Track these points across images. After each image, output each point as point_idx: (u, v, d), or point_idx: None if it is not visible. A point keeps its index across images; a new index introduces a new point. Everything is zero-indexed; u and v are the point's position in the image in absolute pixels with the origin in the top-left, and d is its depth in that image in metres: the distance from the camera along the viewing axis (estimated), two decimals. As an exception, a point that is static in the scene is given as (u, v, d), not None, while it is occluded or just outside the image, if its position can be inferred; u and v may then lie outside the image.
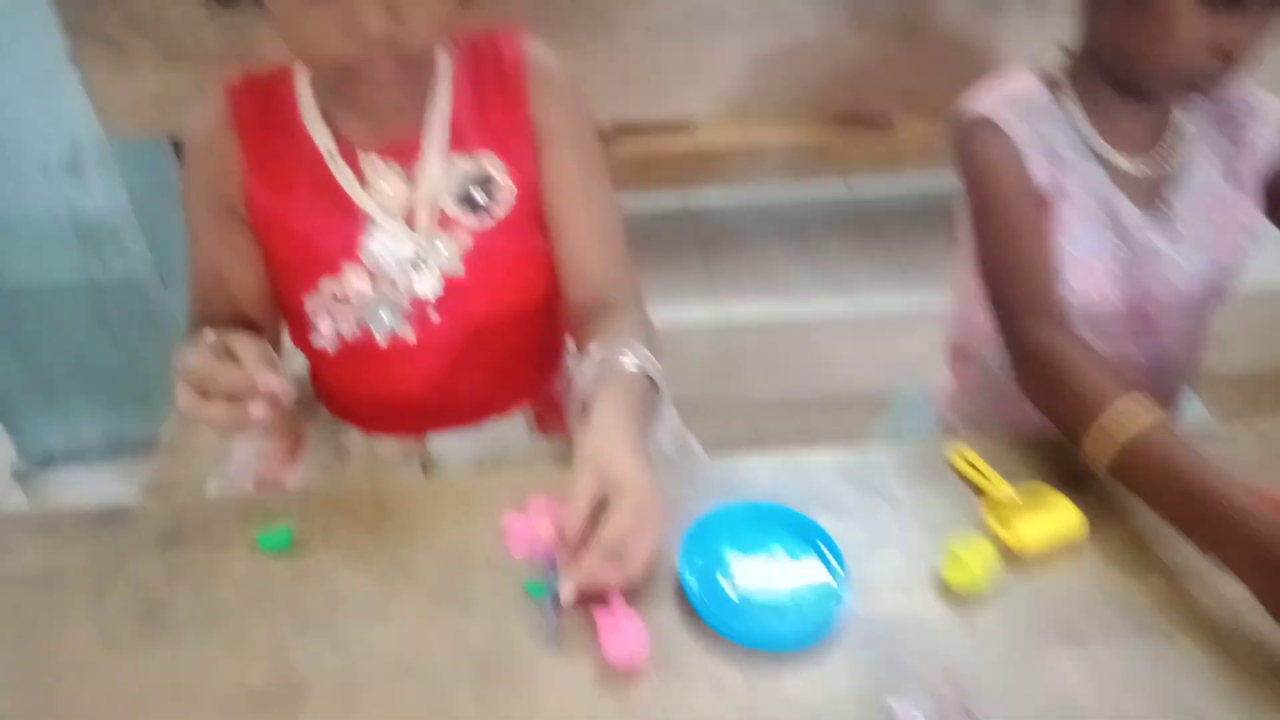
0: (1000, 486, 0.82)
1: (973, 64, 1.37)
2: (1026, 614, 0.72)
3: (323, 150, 0.88)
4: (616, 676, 0.69)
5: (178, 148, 1.62)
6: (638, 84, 1.35)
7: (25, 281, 1.75)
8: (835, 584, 0.74)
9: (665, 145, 2.30)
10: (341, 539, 0.80)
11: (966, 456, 0.86)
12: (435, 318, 0.93)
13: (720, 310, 1.98)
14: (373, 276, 0.90)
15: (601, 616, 0.71)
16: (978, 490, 0.83)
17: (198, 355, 0.72)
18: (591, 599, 0.71)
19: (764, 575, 0.76)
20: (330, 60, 0.76)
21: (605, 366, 0.81)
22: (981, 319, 1.03)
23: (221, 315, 0.92)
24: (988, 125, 0.93)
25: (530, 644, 0.71)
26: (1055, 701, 0.66)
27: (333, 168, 0.88)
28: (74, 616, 0.74)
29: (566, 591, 0.70)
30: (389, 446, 1.03)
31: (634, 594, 0.73)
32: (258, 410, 0.69)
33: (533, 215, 0.93)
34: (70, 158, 1.61)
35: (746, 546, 0.78)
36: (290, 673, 0.69)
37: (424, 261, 0.90)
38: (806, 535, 0.78)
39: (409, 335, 0.93)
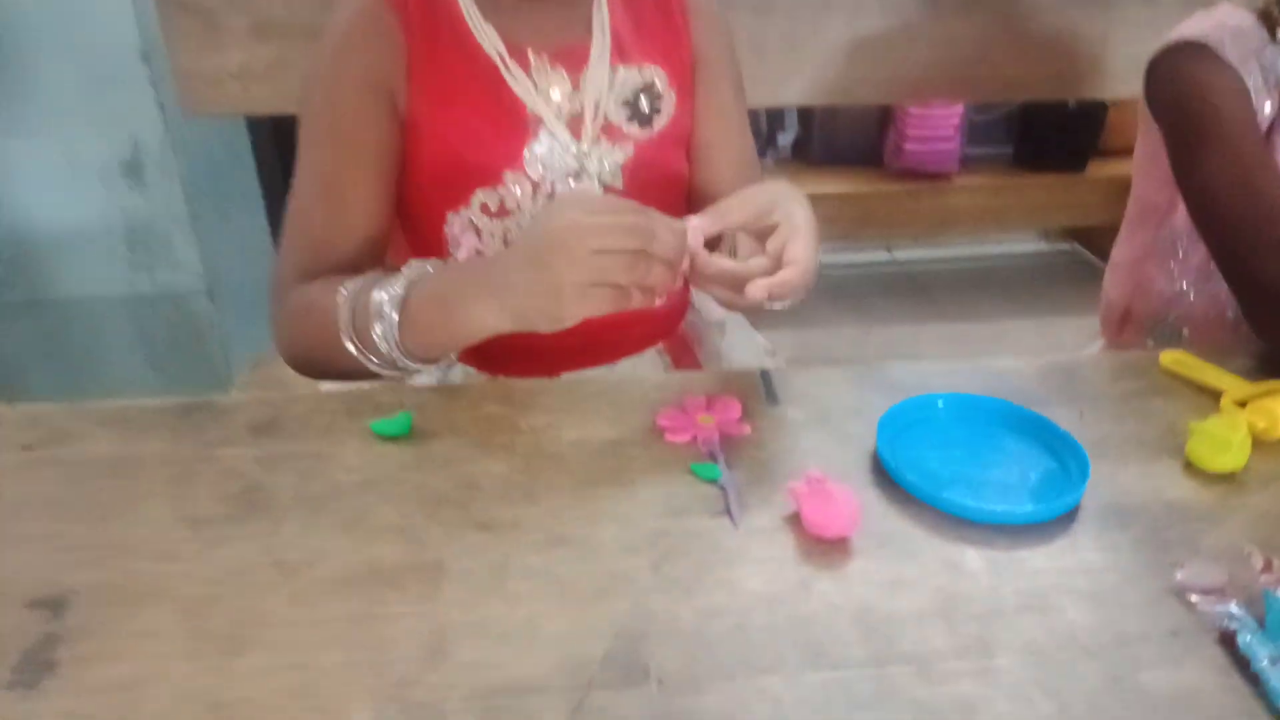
0: (1237, 381, 0.71)
1: (1079, 53, 1.34)
2: (1306, 501, 0.60)
3: (493, 54, 0.81)
4: (823, 550, 0.56)
5: (251, 126, 1.58)
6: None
7: (70, 293, 1.66)
8: (1068, 465, 0.62)
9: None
10: (470, 429, 0.68)
11: (1184, 361, 0.75)
12: None
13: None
14: (534, 186, 0.82)
15: (801, 487, 0.59)
16: (1205, 392, 0.72)
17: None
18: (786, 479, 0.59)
19: (980, 457, 0.64)
20: None
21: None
22: (1159, 279, 0.96)
23: (346, 236, 0.78)
24: (1202, 49, 0.85)
25: (710, 522, 0.58)
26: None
27: (505, 72, 0.81)
28: (156, 500, 0.61)
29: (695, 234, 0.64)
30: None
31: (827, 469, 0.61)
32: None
33: (684, 138, 0.89)
34: (131, 158, 1.56)
35: (952, 437, 0.66)
36: (423, 550, 0.56)
37: (585, 171, 0.83)
38: (1023, 428, 0.66)
39: None
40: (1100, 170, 2.37)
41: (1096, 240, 2.74)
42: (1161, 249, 0.99)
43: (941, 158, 2.28)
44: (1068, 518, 0.59)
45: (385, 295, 0.68)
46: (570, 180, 0.83)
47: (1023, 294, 2.65)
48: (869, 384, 0.73)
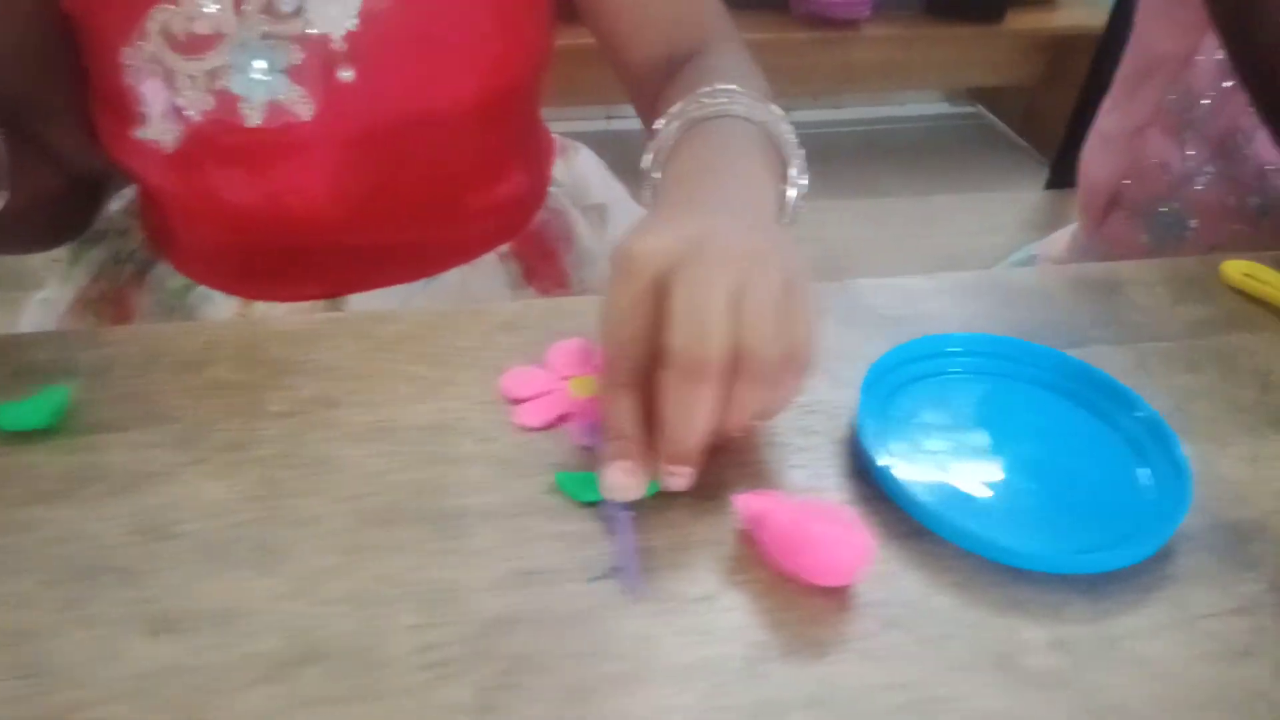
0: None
1: None
2: None
3: None
4: (795, 629, 0.32)
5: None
6: None
7: None
8: (1145, 451, 0.40)
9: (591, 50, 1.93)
10: (181, 409, 0.40)
11: (1255, 274, 0.53)
12: (347, 74, 0.54)
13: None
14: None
15: (758, 502, 0.34)
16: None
17: None
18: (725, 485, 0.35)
19: (1016, 444, 0.40)
20: None
21: (687, 122, 0.48)
22: (1165, 154, 0.74)
23: None
24: None
25: (584, 592, 0.33)
26: None
27: None
28: None
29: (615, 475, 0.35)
30: (278, 315, 0.62)
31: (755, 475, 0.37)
32: None
33: None
34: None
35: (968, 407, 0.42)
36: (42, 697, 0.29)
37: None
38: (1076, 390, 0.43)
39: (303, 108, 0.54)
40: (1019, 21, 2.15)
41: (1005, 102, 2.54)
42: (1171, 115, 0.76)
43: (852, 2, 2.00)
44: (1161, 553, 0.37)
45: None
46: None
47: (933, 163, 2.45)
48: (834, 310, 0.49)
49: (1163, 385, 0.45)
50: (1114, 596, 0.35)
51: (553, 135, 0.74)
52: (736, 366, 0.34)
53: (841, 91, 2.40)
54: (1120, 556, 0.35)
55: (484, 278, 0.64)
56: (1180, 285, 0.53)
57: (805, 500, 0.35)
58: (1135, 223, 0.81)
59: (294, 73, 0.52)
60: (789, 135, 0.48)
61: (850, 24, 2.03)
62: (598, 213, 0.74)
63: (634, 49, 0.60)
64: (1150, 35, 0.79)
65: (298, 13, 0.52)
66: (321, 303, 0.61)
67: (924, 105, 2.64)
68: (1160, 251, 0.79)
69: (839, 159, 2.45)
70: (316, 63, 0.53)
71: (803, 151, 0.48)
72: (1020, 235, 0.99)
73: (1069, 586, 0.35)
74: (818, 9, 1.99)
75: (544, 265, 0.67)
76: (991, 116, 2.59)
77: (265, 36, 0.52)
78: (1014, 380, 0.43)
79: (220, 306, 0.62)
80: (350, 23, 0.53)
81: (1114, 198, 0.82)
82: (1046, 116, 2.30)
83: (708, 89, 0.48)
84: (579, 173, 0.74)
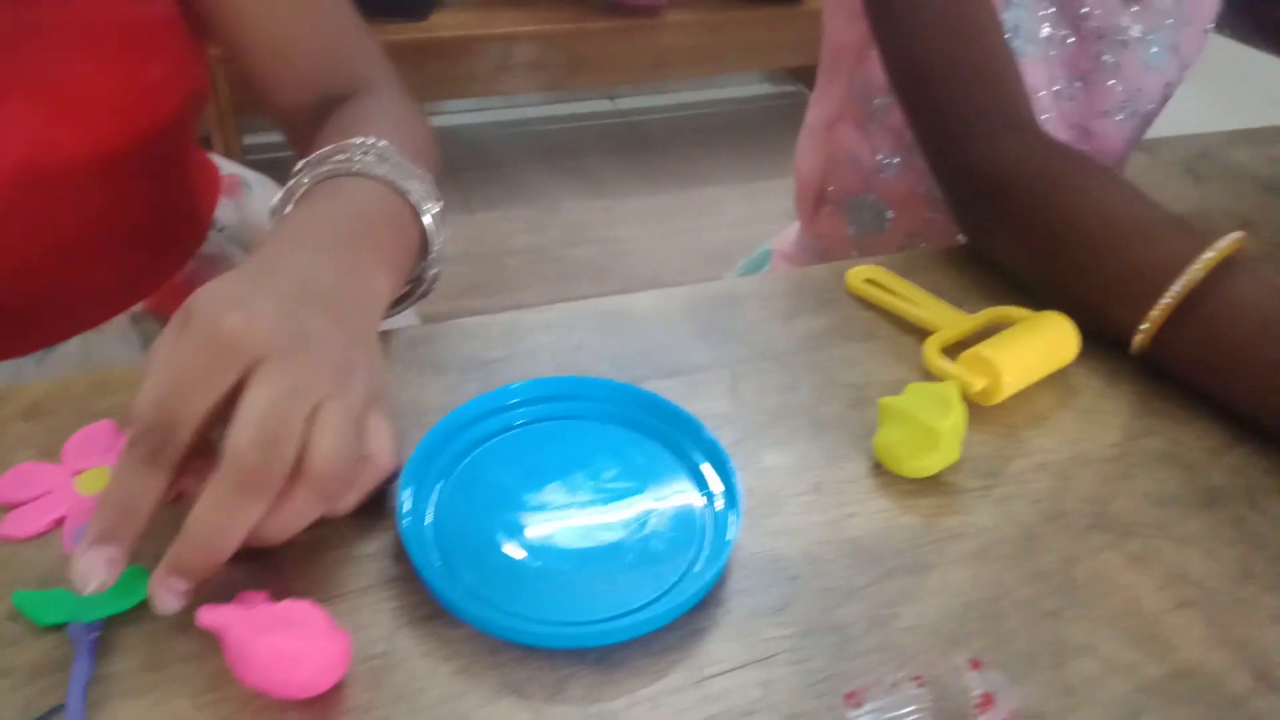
0: (947, 311, 0.49)
1: None
2: (1038, 496, 0.40)
3: None
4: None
5: None
6: None
7: None
8: (705, 501, 0.38)
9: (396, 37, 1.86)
10: None
11: (876, 279, 0.52)
12: None
13: (476, 227, 1.57)
14: None
15: (212, 616, 0.31)
16: (912, 330, 0.50)
17: None
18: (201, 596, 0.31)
19: (569, 508, 0.38)
20: None
21: (314, 177, 0.45)
22: (854, 146, 0.74)
23: None
24: None
25: (28, 738, 0.30)
26: (1131, 627, 0.34)
27: None
28: None
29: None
30: None
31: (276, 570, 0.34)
32: None
33: None
34: None
35: (536, 458, 0.40)
36: None
37: None
38: (649, 426, 0.41)
39: None
40: (818, 1, 2.18)
41: (820, 80, 2.58)
42: (856, 107, 0.77)
43: (648, -11, 1.99)
44: (708, 598, 0.35)
45: None
46: None
47: (760, 143, 2.46)
48: (423, 356, 0.46)
49: (754, 408, 0.44)
50: (629, 663, 0.33)
51: (221, 173, 0.69)
52: (296, 481, 0.31)
53: (660, 78, 2.39)
54: (629, 626, 0.33)
55: (112, 344, 0.58)
56: (802, 298, 0.52)
57: (271, 606, 0.31)
58: (841, 215, 0.81)
59: None
60: (420, 192, 0.45)
61: (650, 11, 2.02)
62: None
63: (280, 92, 0.57)
64: (832, 26, 0.79)
65: None
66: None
67: (746, 86, 2.65)
68: (865, 243, 0.80)
69: (668, 147, 2.44)
70: None
71: (438, 207, 0.46)
72: (791, 223, 0.99)
73: (579, 659, 0.33)
74: (616, -3, 1.97)
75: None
76: (810, 94, 2.63)
77: None
78: (587, 421, 0.41)
79: None
80: None
81: (821, 191, 0.83)
82: (858, 92, 2.34)
83: (343, 142, 0.45)
84: (251, 212, 0.69)
